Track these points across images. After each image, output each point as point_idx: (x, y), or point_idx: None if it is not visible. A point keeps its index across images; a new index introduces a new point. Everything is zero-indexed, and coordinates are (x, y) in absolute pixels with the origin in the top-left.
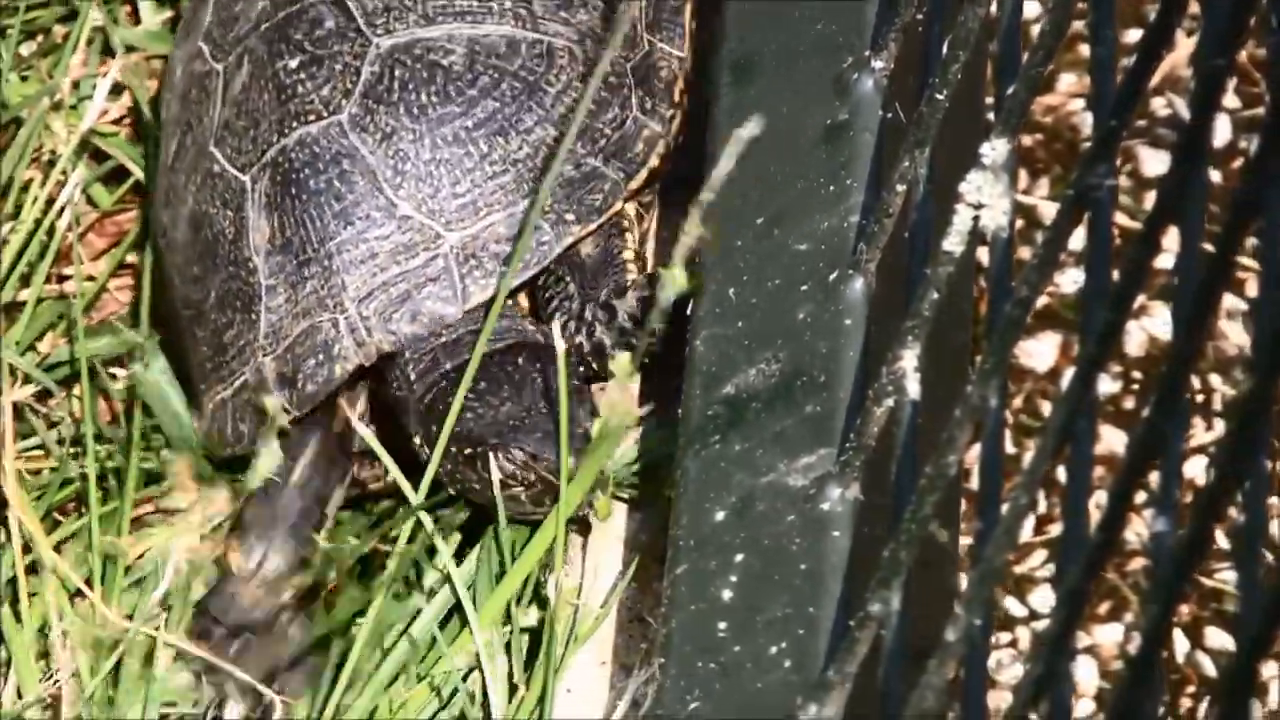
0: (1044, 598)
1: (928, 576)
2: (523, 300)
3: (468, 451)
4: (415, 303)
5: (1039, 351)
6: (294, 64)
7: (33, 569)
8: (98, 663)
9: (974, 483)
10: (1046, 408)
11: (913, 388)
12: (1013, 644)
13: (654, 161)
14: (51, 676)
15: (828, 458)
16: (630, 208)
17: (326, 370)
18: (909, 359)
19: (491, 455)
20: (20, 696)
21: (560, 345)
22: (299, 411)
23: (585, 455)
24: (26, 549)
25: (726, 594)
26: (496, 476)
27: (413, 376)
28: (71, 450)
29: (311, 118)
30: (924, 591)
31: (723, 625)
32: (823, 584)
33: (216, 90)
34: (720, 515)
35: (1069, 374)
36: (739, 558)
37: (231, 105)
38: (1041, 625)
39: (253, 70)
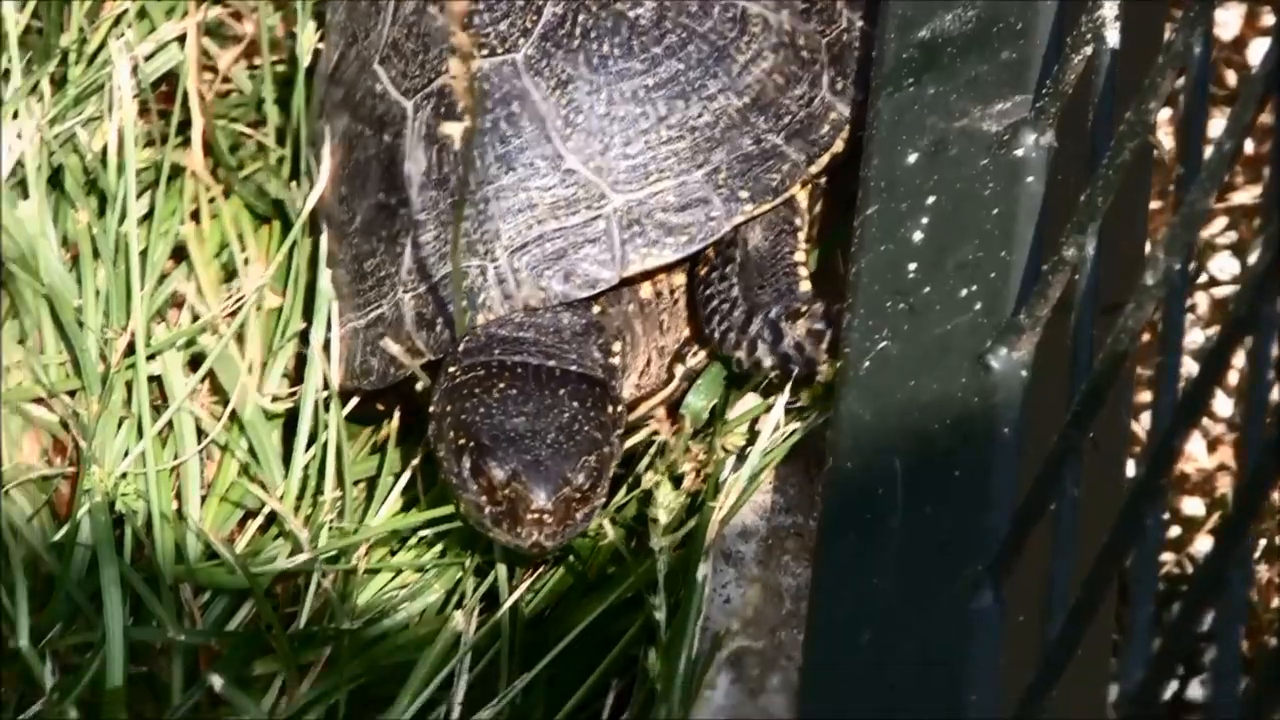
0: (1223, 265)
1: (1120, 225)
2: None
3: (461, 441)
4: (570, 262)
5: (1225, 20)
6: None
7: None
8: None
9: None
10: (1231, 77)
11: (1112, 36)
12: (1191, 309)
13: (838, 146)
14: (231, 296)
15: (1023, 104)
16: (803, 195)
17: (468, 317)
18: (1109, 7)
19: (476, 455)
20: (198, 311)
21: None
22: (433, 356)
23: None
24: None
25: (917, 235)
26: (467, 475)
27: (460, 348)
28: (253, 72)
29: (485, 52)
30: (1116, 241)
31: (912, 266)
32: (1015, 228)
33: (388, 5)
34: (912, 158)
35: (1256, 43)
36: (930, 200)
37: (402, 25)
38: (1220, 291)
39: None
